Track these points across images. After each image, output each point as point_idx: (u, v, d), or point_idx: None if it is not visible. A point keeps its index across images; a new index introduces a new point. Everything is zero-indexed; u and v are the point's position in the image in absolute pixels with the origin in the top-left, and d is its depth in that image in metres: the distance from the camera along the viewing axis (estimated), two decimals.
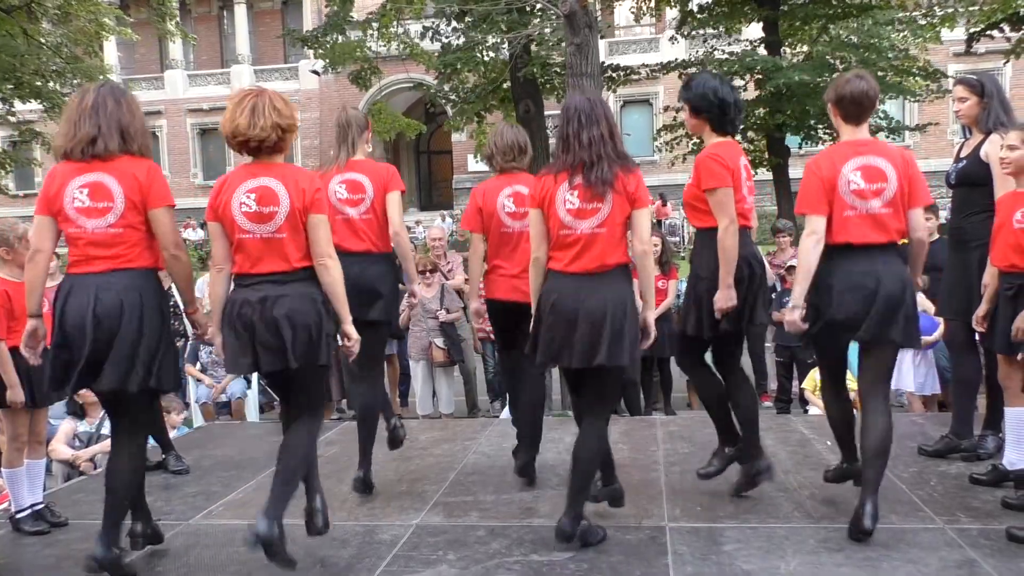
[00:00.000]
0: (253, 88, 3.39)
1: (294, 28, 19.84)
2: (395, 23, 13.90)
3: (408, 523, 3.89)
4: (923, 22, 14.02)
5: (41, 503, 4.10)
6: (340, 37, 14.30)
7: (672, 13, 15.93)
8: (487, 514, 3.97)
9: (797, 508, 3.84)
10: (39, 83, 16.50)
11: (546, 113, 14.35)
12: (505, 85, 14.41)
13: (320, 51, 14.51)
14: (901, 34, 13.50)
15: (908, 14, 13.91)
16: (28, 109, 17.96)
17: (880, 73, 13.13)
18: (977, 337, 4.33)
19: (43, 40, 16.53)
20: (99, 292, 3.17)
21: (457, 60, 13.67)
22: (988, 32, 13.70)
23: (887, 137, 14.92)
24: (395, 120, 20.18)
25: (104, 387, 3.19)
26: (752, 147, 14.68)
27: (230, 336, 3.23)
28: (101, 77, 17.88)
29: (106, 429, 5.97)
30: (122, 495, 3.38)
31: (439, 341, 7.57)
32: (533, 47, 13.10)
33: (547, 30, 12.30)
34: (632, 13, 15.12)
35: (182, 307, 3.56)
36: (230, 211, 3.22)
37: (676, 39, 15.05)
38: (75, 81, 17.34)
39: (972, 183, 4.20)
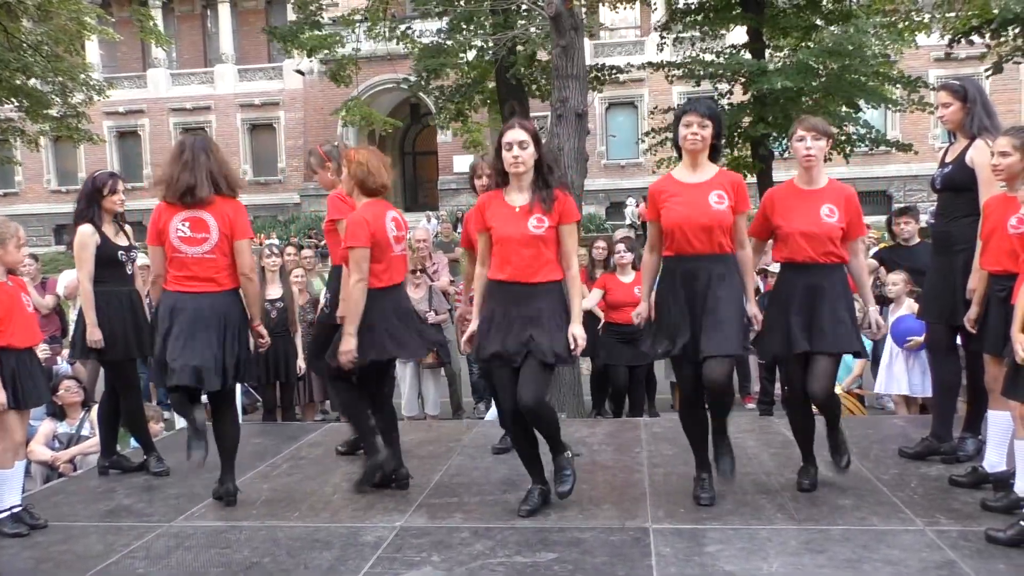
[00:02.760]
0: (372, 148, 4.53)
1: (276, 27, 19.77)
2: (383, 22, 13.84)
3: (392, 524, 3.88)
4: (901, 26, 14.14)
5: (20, 505, 4.05)
6: (315, 31, 14.23)
7: (657, 16, 15.97)
8: (471, 515, 3.96)
9: (779, 510, 3.86)
10: (19, 81, 16.32)
11: (532, 115, 14.36)
12: (490, 85, 14.41)
13: (292, 44, 14.42)
14: (881, 42, 13.61)
15: (888, 19, 14.00)
16: (7, 107, 17.80)
17: (863, 79, 13.21)
18: (959, 340, 4.37)
19: (23, 38, 16.35)
20: (196, 313, 4.07)
21: (437, 63, 13.64)
22: (968, 38, 13.84)
23: (869, 148, 14.99)
24: (369, 114, 19.97)
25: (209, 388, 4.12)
26: (737, 152, 14.73)
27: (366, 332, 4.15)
28: (83, 76, 17.73)
29: (86, 431, 5.92)
30: (231, 447, 4.33)
31: None
32: (519, 47, 13.11)
33: (533, 30, 12.29)
34: (613, 7, 15.15)
35: (251, 318, 4.34)
36: (386, 236, 4.20)
37: (665, 43, 15.07)
38: (57, 79, 17.18)
39: (957, 188, 4.24)
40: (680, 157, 3.97)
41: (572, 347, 3.75)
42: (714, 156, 3.91)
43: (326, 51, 14.56)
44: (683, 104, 3.99)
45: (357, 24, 13.86)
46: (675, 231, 3.82)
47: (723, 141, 3.92)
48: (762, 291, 7.84)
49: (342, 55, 14.66)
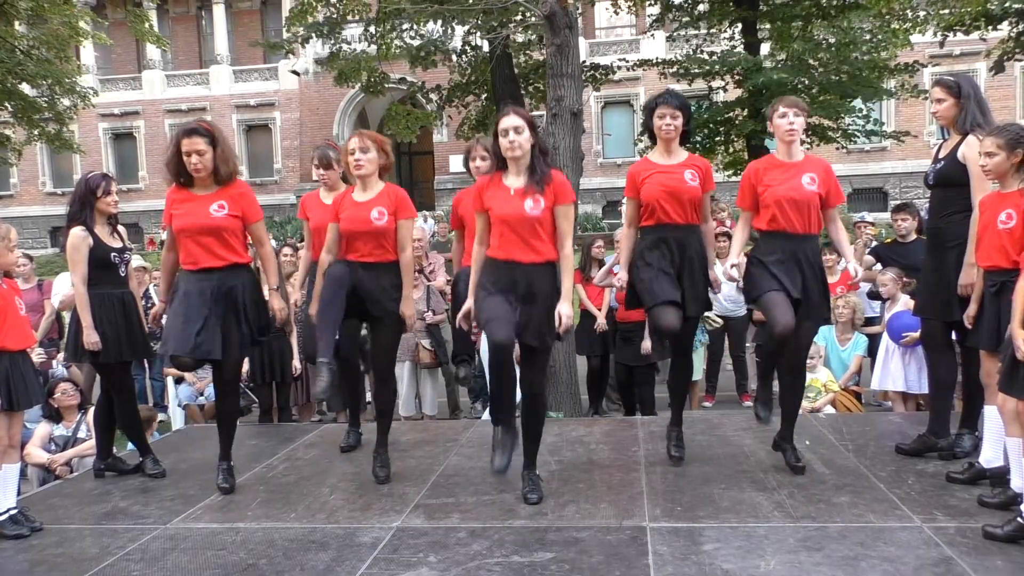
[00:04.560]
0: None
1: (275, 29, 19.58)
2: (388, 31, 13.77)
3: (389, 525, 3.87)
4: (895, 26, 14.12)
5: (15, 508, 4.04)
6: (324, 38, 14.13)
7: (653, 11, 15.90)
8: (468, 516, 3.96)
9: (777, 508, 3.86)
10: (10, 85, 16.23)
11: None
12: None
13: (334, 70, 14.37)
14: (875, 37, 13.59)
15: (883, 18, 13.98)
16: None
17: (856, 72, 13.21)
18: (954, 336, 4.37)
19: (15, 42, 16.26)
20: None
21: (429, 49, 13.59)
22: (963, 29, 13.84)
23: (866, 139, 15.00)
24: (414, 118, 19.60)
25: None
26: (732, 148, 14.74)
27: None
28: (69, 81, 17.62)
29: (83, 433, 5.91)
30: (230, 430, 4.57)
31: (426, 342, 7.54)
32: (517, 39, 13.08)
33: (529, 17, 12.22)
34: (609, 10, 15.14)
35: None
36: None
37: (653, 36, 15.08)
38: (48, 83, 17.09)
39: (949, 184, 4.24)
40: (653, 143, 4.47)
41: (557, 324, 3.89)
42: (684, 141, 4.44)
43: (357, 74, 14.49)
44: (655, 96, 4.43)
45: (372, 35, 13.76)
46: (654, 203, 4.32)
47: (691, 127, 4.45)
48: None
49: (371, 69, 14.59)
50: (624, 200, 4.89)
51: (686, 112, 4.34)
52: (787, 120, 4.19)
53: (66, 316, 8.04)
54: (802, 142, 4.57)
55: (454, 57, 14.12)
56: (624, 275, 4.50)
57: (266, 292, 4.60)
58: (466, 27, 12.91)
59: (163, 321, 4.73)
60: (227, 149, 4.39)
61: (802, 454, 4.43)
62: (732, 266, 4.35)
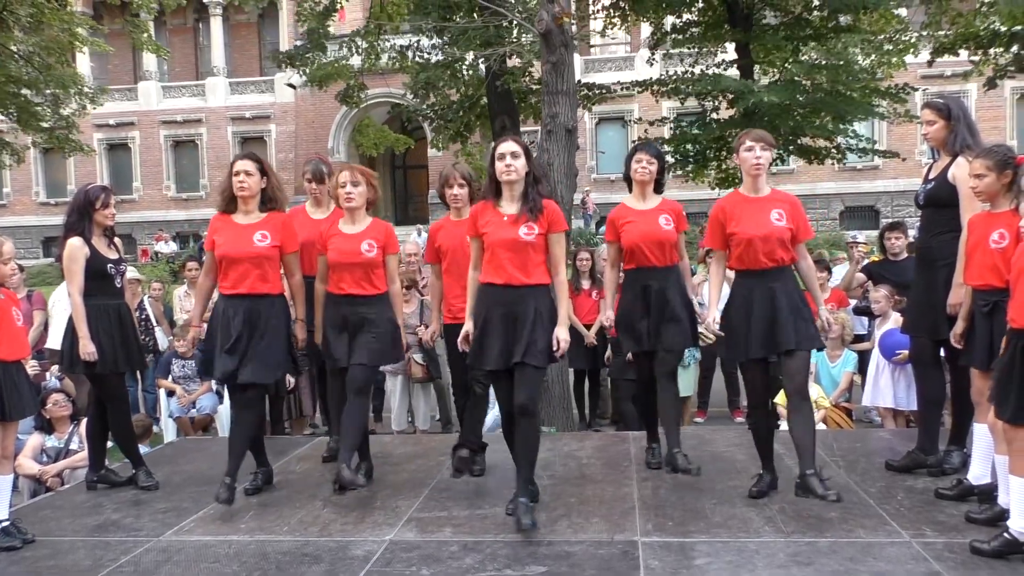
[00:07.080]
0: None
1: (271, 42, 19.63)
2: (378, 40, 13.81)
3: (381, 539, 3.88)
4: (889, 47, 14.23)
5: (7, 520, 4.03)
6: (322, 56, 14.15)
7: (647, 29, 15.98)
8: (460, 529, 3.97)
9: (768, 523, 3.88)
10: (11, 90, 16.23)
11: (522, 130, 14.38)
12: (483, 101, 14.42)
13: (305, 71, 14.38)
14: (868, 58, 13.69)
15: (876, 39, 14.09)
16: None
17: (851, 93, 13.31)
18: (943, 354, 4.41)
19: (14, 48, 16.28)
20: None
21: (436, 77, 13.65)
22: (954, 51, 13.97)
23: (858, 158, 15.09)
24: (383, 136, 19.91)
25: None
26: (726, 166, 14.81)
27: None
28: (74, 87, 17.66)
29: (75, 444, 5.89)
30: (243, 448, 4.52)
31: (418, 357, 7.56)
32: (512, 61, 13.13)
33: (525, 39, 12.30)
34: (604, 26, 15.22)
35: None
36: None
37: (654, 60, 15.18)
38: (48, 91, 17.10)
39: (939, 204, 4.30)
40: (630, 189, 4.77)
41: (555, 348, 3.96)
42: (658, 189, 4.75)
43: (335, 79, 14.50)
44: (635, 145, 4.88)
45: (357, 46, 13.80)
46: (634, 248, 4.61)
47: (664, 178, 4.78)
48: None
49: (350, 77, 14.63)
50: (605, 243, 5.07)
51: (661, 161, 4.71)
52: (753, 154, 4.23)
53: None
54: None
55: (459, 70, 14.15)
56: (611, 314, 4.81)
57: None
58: (464, 41, 12.95)
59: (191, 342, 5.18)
60: (276, 181, 4.64)
61: (831, 480, 4.21)
62: (714, 320, 4.32)
